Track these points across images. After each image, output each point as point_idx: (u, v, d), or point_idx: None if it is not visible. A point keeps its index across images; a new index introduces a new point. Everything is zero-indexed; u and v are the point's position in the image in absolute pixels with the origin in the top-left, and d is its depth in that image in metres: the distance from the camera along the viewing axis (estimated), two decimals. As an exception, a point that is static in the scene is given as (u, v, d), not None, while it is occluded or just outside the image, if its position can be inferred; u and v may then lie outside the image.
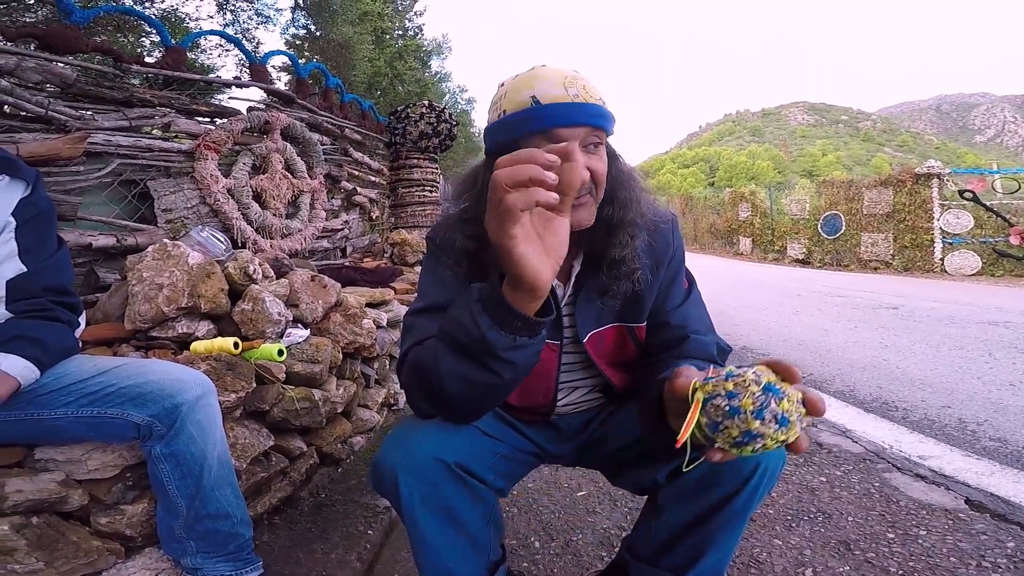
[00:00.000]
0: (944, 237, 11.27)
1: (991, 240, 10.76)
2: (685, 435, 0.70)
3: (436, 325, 0.95)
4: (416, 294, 1.09)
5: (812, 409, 0.70)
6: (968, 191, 11.15)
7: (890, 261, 12.10)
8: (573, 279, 1.08)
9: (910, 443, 2.34)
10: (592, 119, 0.92)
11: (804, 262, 14.24)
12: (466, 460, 0.94)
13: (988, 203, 11.01)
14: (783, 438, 0.68)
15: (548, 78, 0.93)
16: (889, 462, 2.15)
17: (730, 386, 0.69)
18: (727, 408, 0.68)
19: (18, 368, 1.08)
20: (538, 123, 0.91)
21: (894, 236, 12.09)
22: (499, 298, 0.78)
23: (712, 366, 0.79)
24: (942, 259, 11.16)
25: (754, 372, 0.69)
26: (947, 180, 11.63)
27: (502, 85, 1.00)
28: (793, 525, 1.73)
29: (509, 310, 0.78)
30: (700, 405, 0.70)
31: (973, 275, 10.56)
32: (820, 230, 13.90)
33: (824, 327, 5.06)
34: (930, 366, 3.55)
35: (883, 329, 4.84)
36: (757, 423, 0.67)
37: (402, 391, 2.90)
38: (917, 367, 3.54)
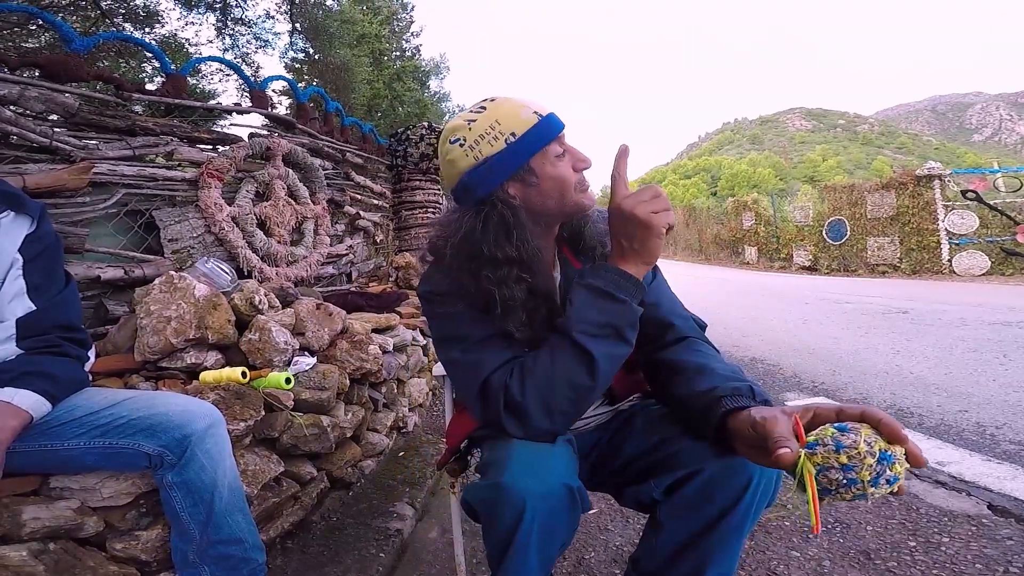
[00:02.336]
0: (950, 238, 11.24)
1: (998, 239, 10.71)
2: (818, 521, 0.70)
3: (503, 351, 1.00)
4: (448, 340, 1.07)
5: (914, 462, 0.72)
6: (971, 191, 11.13)
7: (898, 264, 12.05)
8: (559, 270, 1.16)
9: (927, 449, 2.30)
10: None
11: (811, 269, 14.20)
12: (580, 484, 0.94)
13: (992, 202, 10.98)
14: (889, 491, 0.71)
15: (525, 102, 1.04)
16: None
17: (844, 459, 0.69)
18: (844, 480, 0.69)
19: (30, 402, 1.09)
20: (554, 130, 1.02)
21: (900, 239, 12.06)
22: (624, 274, 0.95)
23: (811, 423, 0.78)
24: (950, 260, 11.12)
25: (866, 441, 0.69)
26: (949, 181, 11.61)
27: (473, 122, 1.01)
28: (810, 536, 1.71)
29: (635, 282, 0.95)
30: (814, 477, 0.71)
31: (982, 275, 10.50)
32: (825, 236, 13.87)
33: (834, 334, 5.02)
34: (944, 370, 3.51)
35: (894, 334, 4.80)
36: (872, 488, 0.69)
37: (412, 412, 2.90)
38: (931, 372, 3.51)
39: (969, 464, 2.13)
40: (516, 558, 0.90)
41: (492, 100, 1.05)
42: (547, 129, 1.01)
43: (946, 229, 11.26)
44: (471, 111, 1.04)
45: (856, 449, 0.68)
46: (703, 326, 1.16)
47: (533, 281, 1.03)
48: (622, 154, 0.96)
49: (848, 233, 13.27)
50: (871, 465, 0.68)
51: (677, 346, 1.07)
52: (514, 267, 1.01)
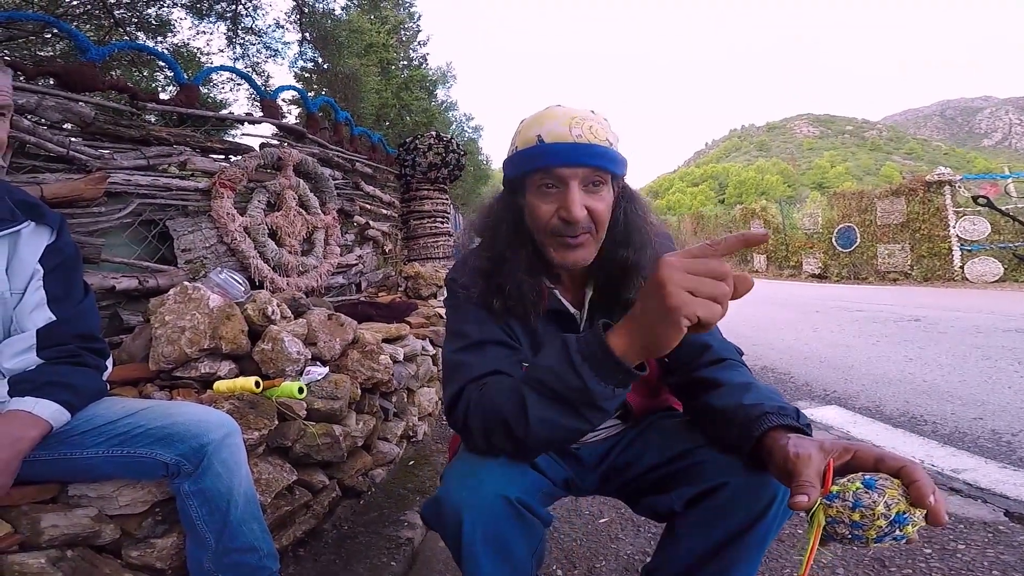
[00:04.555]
0: (962, 244, 11.15)
1: (1010, 245, 10.61)
2: (806, 572, 0.72)
3: (488, 361, 0.98)
4: (449, 334, 1.09)
5: (934, 521, 0.70)
6: (982, 197, 11.05)
7: (909, 271, 11.96)
8: (587, 305, 1.12)
9: (942, 457, 2.28)
10: (593, 160, 0.95)
11: (821, 277, 14.12)
12: (525, 495, 0.94)
13: (1003, 207, 10.88)
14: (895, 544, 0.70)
15: (556, 117, 0.97)
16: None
17: (856, 517, 0.69)
18: (849, 535, 0.70)
19: (49, 411, 1.10)
20: (540, 160, 0.96)
21: (911, 246, 11.97)
22: (606, 351, 0.79)
23: (836, 475, 0.75)
24: (962, 267, 11.02)
25: (885, 504, 0.68)
26: (959, 186, 11.54)
27: (522, 121, 1.04)
28: (824, 543, 1.69)
29: (616, 363, 0.79)
30: (821, 528, 0.72)
31: (995, 282, 10.39)
32: (835, 243, 13.81)
33: (845, 343, 4.99)
34: (958, 378, 3.48)
35: (906, 342, 4.77)
36: (875, 544, 0.69)
37: (422, 422, 2.90)
38: (944, 379, 3.47)
39: (985, 471, 2.11)
40: (469, 565, 0.91)
41: (546, 108, 1.02)
42: (529, 158, 0.97)
43: (957, 235, 11.18)
44: (537, 109, 1.04)
45: (872, 511, 0.68)
46: (740, 352, 1.13)
47: (502, 281, 1.02)
48: (746, 239, 0.73)
49: (858, 240, 13.20)
50: (881, 526, 0.68)
51: (716, 366, 1.05)
52: (490, 262, 1.05)
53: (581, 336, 0.83)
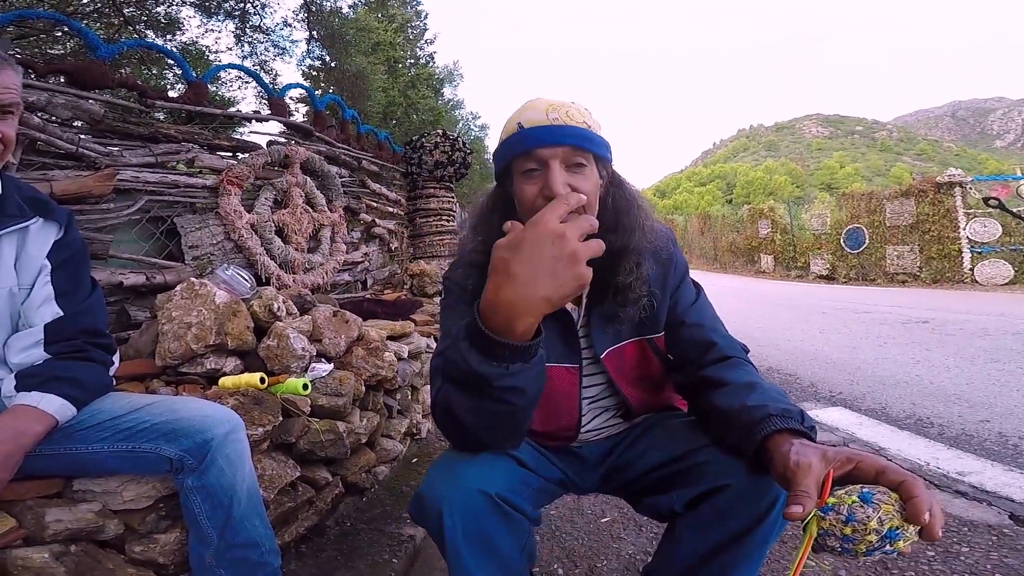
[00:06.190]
0: (972, 246, 11.05)
1: (1021, 247, 10.51)
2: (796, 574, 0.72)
3: None
4: (439, 335, 1.11)
5: (927, 536, 0.69)
6: (993, 198, 10.95)
7: (918, 273, 11.88)
8: (584, 301, 1.11)
9: (948, 459, 2.27)
10: (569, 139, 0.96)
11: (829, 278, 14.04)
12: (507, 491, 0.94)
13: (1015, 209, 10.78)
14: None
15: (535, 107, 0.99)
16: (926, 479, 2.09)
17: (848, 531, 0.69)
18: (839, 548, 0.70)
19: (55, 406, 1.11)
20: (521, 145, 0.98)
21: (920, 247, 11.88)
22: (477, 329, 0.79)
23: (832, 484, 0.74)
24: (972, 269, 10.92)
25: (879, 519, 0.68)
26: (970, 188, 11.43)
27: (508, 118, 1.06)
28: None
29: (491, 340, 0.78)
30: (812, 539, 0.72)
31: (1005, 284, 10.30)
32: (843, 244, 13.71)
33: (852, 344, 4.97)
34: (965, 380, 3.46)
35: (914, 344, 4.74)
36: (865, 558, 0.70)
37: (425, 419, 2.91)
38: (952, 382, 3.45)
39: (991, 474, 2.09)
40: (453, 560, 0.93)
41: (527, 101, 1.03)
42: (511, 145, 1.00)
43: (968, 237, 11.09)
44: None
45: (864, 526, 0.68)
46: (745, 350, 1.12)
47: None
48: None
49: (867, 241, 13.11)
50: (871, 541, 0.68)
51: (721, 364, 1.05)
52: (483, 247, 1.05)
53: (469, 319, 0.82)
